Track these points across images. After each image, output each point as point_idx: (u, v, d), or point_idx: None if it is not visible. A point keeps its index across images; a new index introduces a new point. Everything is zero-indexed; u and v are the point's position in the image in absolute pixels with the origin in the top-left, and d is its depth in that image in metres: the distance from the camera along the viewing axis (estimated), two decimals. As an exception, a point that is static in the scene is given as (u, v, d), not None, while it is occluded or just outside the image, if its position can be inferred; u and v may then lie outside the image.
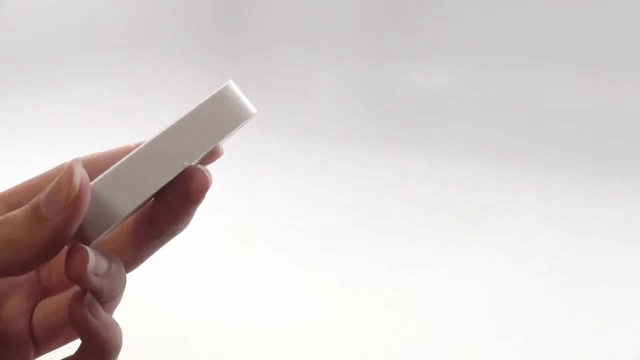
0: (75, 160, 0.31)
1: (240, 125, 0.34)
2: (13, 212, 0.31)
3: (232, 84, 0.34)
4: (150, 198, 0.34)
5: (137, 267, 0.37)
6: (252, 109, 0.34)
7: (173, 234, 0.36)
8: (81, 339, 0.33)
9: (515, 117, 1.53)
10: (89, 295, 0.32)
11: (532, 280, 1.01)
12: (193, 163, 0.33)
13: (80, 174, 0.30)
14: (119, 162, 0.32)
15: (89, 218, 0.31)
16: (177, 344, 0.86)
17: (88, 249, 0.32)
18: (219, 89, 0.33)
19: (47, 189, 0.31)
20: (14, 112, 1.47)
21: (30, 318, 0.35)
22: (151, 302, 0.90)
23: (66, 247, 0.37)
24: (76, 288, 0.34)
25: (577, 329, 0.92)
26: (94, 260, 0.32)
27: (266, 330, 0.89)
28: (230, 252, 1.06)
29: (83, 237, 0.32)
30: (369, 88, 1.66)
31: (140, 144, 0.34)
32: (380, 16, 1.72)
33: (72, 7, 1.70)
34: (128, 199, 0.31)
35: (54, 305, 0.35)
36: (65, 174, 0.30)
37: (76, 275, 0.32)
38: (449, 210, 1.20)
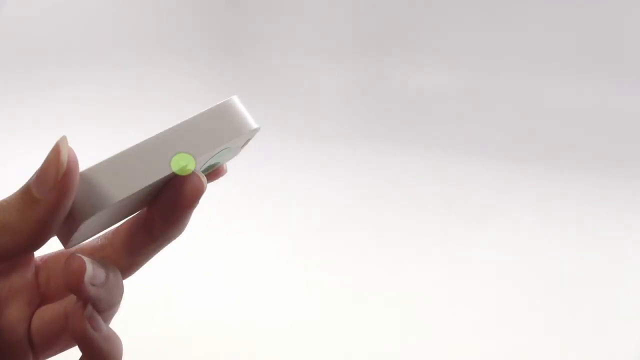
0: (62, 139, 0.31)
1: (242, 139, 0.35)
2: (5, 198, 0.32)
3: (236, 98, 0.35)
4: (144, 199, 0.34)
5: (133, 273, 0.37)
6: (254, 124, 0.35)
7: (168, 239, 0.36)
8: (81, 352, 0.33)
9: (515, 117, 1.53)
10: (89, 308, 0.32)
11: (532, 280, 1.01)
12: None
13: (67, 151, 0.31)
14: (115, 152, 0.32)
15: (79, 200, 0.31)
16: (177, 342, 0.86)
17: (85, 259, 0.32)
18: (223, 100, 0.34)
19: (37, 170, 0.31)
20: (14, 112, 1.47)
21: (29, 325, 0.35)
22: (151, 300, 0.90)
23: (64, 251, 0.36)
24: (74, 296, 0.33)
25: (577, 329, 0.92)
26: (91, 270, 0.32)
27: (266, 329, 0.89)
28: (229, 251, 1.06)
29: (72, 220, 0.32)
30: (369, 88, 1.66)
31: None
32: (381, 16, 1.72)
33: (71, 7, 1.70)
34: (120, 187, 0.32)
35: (52, 312, 0.35)
36: (52, 153, 0.31)
37: (73, 285, 0.32)
38: (449, 210, 1.20)
